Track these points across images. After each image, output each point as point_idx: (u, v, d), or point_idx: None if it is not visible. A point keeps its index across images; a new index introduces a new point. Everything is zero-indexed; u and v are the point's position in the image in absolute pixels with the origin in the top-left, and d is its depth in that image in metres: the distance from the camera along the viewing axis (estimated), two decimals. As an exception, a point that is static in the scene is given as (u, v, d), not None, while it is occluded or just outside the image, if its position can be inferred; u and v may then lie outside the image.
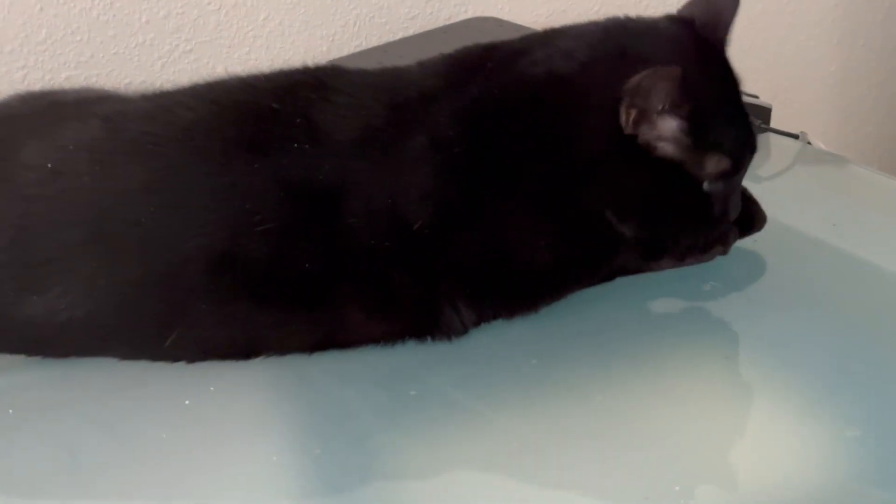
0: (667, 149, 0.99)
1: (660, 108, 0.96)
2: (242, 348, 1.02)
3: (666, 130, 0.98)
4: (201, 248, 0.98)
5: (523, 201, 1.01)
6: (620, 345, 1.04)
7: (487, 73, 1.04)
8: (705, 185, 1.01)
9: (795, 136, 1.41)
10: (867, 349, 1.02)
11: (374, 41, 1.67)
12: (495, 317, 1.05)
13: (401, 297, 1.01)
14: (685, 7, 1.09)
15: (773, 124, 1.46)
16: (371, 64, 1.44)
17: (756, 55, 2.12)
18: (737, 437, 0.94)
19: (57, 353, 1.03)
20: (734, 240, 1.14)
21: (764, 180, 1.37)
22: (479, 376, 1.00)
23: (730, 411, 0.97)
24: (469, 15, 1.74)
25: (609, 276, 1.11)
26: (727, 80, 1.05)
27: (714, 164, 1.00)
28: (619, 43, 1.03)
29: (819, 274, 1.14)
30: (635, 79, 0.95)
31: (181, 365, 1.02)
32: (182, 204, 0.99)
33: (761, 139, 1.37)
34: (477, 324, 1.05)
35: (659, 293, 1.11)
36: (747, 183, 1.30)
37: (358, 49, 1.66)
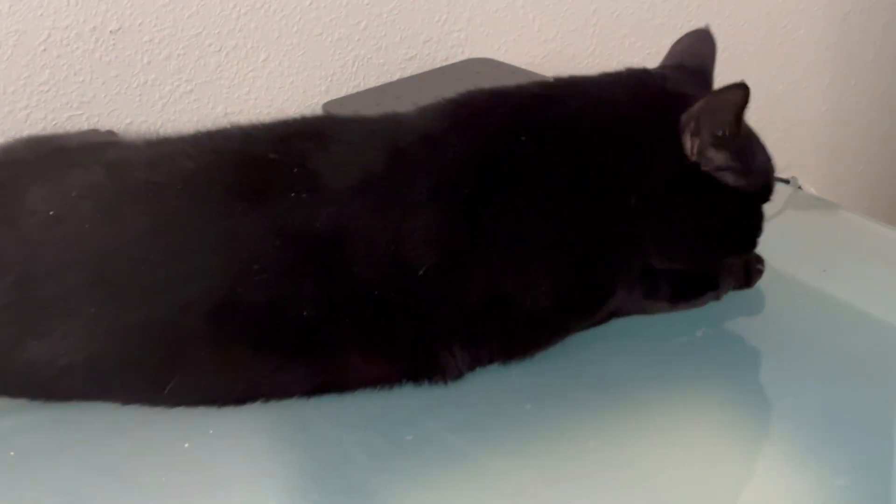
0: (727, 177, 1.05)
1: (721, 131, 1.02)
2: (242, 394, 1.03)
3: (721, 159, 1.04)
4: (202, 295, 1.00)
5: (532, 245, 1.03)
6: (614, 390, 1.05)
7: (500, 119, 1.06)
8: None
9: (787, 181, 1.43)
10: (857, 397, 1.03)
11: (373, 81, 1.69)
12: (491, 361, 1.07)
13: (399, 341, 1.03)
14: (668, 57, 1.12)
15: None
16: (369, 104, 1.47)
17: (752, 96, 2.14)
18: (728, 485, 0.95)
19: (58, 397, 1.04)
20: (727, 288, 1.15)
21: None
22: (475, 421, 1.02)
23: (722, 458, 0.98)
24: (466, 56, 1.76)
25: (604, 319, 1.12)
26: None
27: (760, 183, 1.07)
28: (656, 85, 1.08)
29: (810, 320, 1.16)
30: (698, 105, 1.02)
31: (181, 409, 1.03)
32: (183, 252, 1.01)
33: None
34: (472, 368, 1.06)
35: (652, 339, 1.13)
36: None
37: (356, 90, 1.68)
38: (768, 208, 1.39)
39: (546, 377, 1.07)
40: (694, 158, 1.03)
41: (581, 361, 1.08)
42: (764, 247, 1.27)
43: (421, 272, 1.00)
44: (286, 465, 0.98)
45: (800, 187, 1.44)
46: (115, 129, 1.41)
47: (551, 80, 1.13)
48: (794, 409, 1.02)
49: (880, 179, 2.41)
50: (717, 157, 1.04)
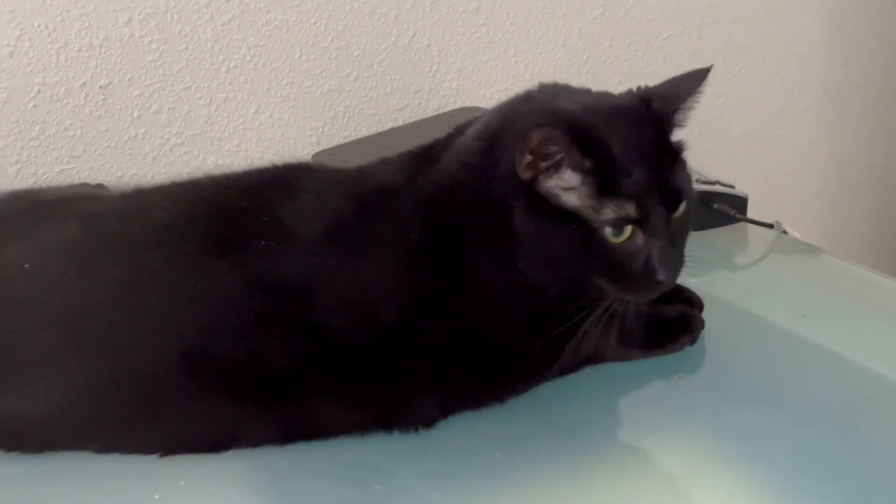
0: (567, 199, 1.00)
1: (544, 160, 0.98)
2: (215, 442, 1.04)
3: (566, 181, 0.99)
4: (175, 346, 1.01)
5: (478, 286, 1.04)
6: (586, 438, 1.05)
7: (434, 163, 1.08)
8: (608, 233, 0.99)
9: (770, 226, 1.43)
10: (831, 443, 1.02)
11: (364, 132, 1.71)
12: (462, 408, 1.07)
13: (369, 389, 1.04)
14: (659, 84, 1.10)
15: (757, 211, 1.48)
16: (358, 154, 1.49)
17: (747, 140, 2.15)
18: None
19: (33, 448, 1.05)
20: (700, 328, 1.15)
21: (740, 269, 1.39)
22: (445, 469, 1.01)
23: (693, 504, 0.98)
24: (458, 105, 1.78)
25: (576, 366, 1.12)
26: (655, 143, 1.03)
27: (611, 210, 0.99)
28: (509, 118, 1.06)
29: (787, 365, 1.15)
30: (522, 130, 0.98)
31: (154, 458, 1.03)
32: (156, 303, 1.02)
33: (737, 229, 1.41)
34: (444, 415, 1.06)
35: (627, 384, 1.12)
36: (724, 272, 1.33)
37: (348, 139, 1.69)
38: (753, 253, 1.41)
39: (518, 424, 1.06)
40: (523, 175, 1.00)
41: (554, 408, 1.08)
42: (745, 291, 1.28)
43: (385, 319, 1.01)
44: (255, 515, 0.97)
45: (784, 231, 1.44)
46: (105, 183, 1.43)
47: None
48: (767, 455, 1.01)
49: (883, 225, 2.40)
50: (547, 182, 1.00)
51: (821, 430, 1.05)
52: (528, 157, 0.98)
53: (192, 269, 1.03)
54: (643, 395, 1.12)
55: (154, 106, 1.53)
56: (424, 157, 1.10)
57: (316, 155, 1.62)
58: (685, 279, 1.21)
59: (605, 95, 1.08)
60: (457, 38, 1.75)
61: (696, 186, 1.39)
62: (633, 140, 1.00)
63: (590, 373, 1.13)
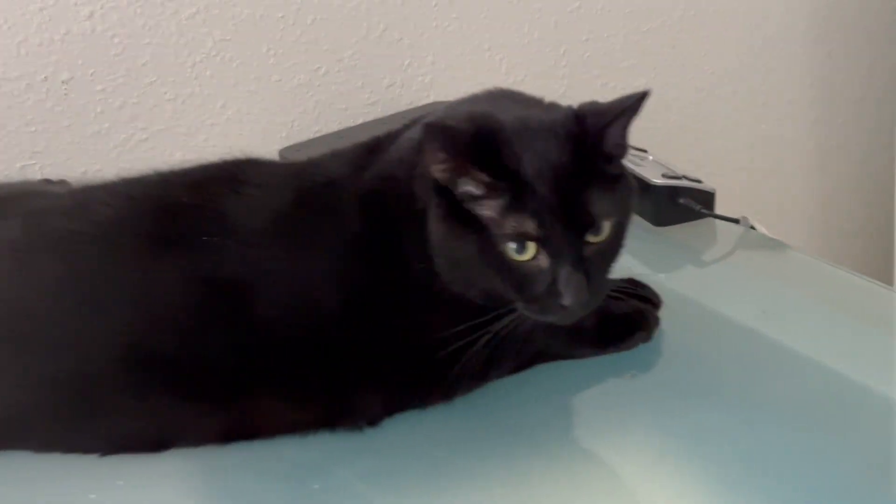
0: (477, 207, 0.97)
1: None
2: (156, 440, 1.02)
3: (470, 190, 0.97)
4: (113, 343, 1.00)
5: (408, 282, 1.02)
6: (531, 437, 1.03)
7: (382, 155, 1.07)
8: (510, 249, 0.96)
9: (736, 221, 1.41)
10: (785, 441, 1.00)
11: (335, 126, 1.69)
12: (407, 406, 1.05)
13: (311, 386, 1.02)
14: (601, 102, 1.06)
15: (742, 209, 1.45)
16: (326, 149, 1.47)
17: (730, 136, 2.12)
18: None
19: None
20: (655, 325, 1.13)
21: (703, 265, 1.37)
22: (385, 468, 1.00)
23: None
24: (431, 100, 1.76)
25: (527, 364, 1.10)
26: (574, 162, 0.97)
27: (511, 225, 0.95)
28: (443, 116, 1.03)
29: (743, 363, 1.13)
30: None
31: (93, 458, 1.02)
32: (96, 300, 1.01)
33: (704, 224, 1.39)
34: (389, 413, 1.04)
35: (579, 383, 1.11)
36: (687, 268, 1.31)
37: (318, 134, 1.68)
38: (720, 249, 1.39)
39: (464, 423, 1.05)
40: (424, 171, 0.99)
41: (501, 407, 1.06)
42: (707, 287, 1.26)
43: (324, 312, 0.99)
44: (190, 515, 0.96)
45: (752, 227, 1.42)
46: (68, 179, 1.41)
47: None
48: (715, 452, 0.99)
49: (870, 223, 2.37)
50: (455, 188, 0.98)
51: (774, 427, 1.03)
52: (434, 163, 0.96)
53: (133, 265, 1.02)
54: (594, 394, 1.10)
55: (118, 101, 1.52)
56: (373, 149, 1.09)
57: (283, 150, 1.61)
58: (648, 276, 1.20)
59: (544, 108, 1.03)
60: (429, 31, 1.74)
61: (663, 181, 1.39)
62: (549, 157, 0.95)
63: (541, 371, 1.11)
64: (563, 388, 1.10)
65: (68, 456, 1.02)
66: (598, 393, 1.10)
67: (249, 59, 1.60)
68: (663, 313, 1.17)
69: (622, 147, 1.01)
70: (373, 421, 1.04)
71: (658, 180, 1.43)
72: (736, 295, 1.26)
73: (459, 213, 0.97)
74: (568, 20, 1.86)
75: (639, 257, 1.37)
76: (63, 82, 1.48)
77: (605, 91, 1.92)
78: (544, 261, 0.96)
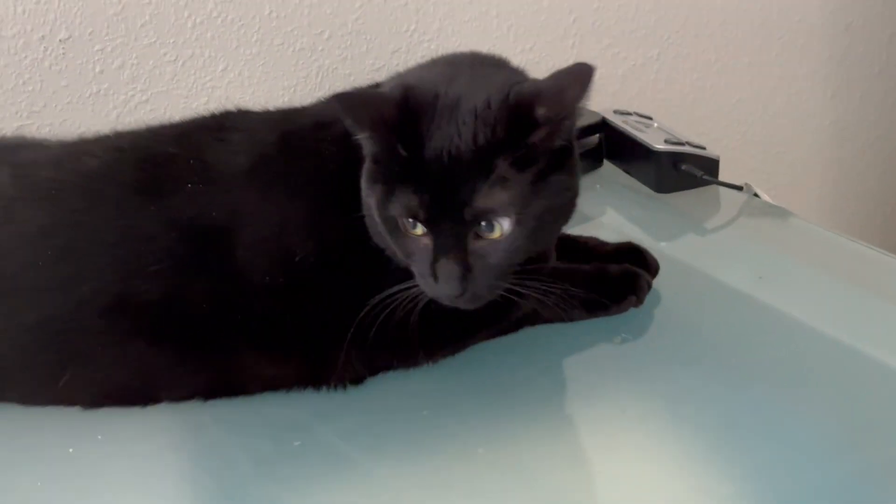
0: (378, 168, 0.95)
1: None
2: (138, 392, 1.02)
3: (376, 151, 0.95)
4: (96, 290, 0.99)
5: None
6: (515, 398, 1.02)
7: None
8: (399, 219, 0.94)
9: (739, 188, 1.38)
10: (770, 405, 0.99)
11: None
12: (389, 367, 1.04)
13: (291, 340, 1.01)
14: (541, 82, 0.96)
15: (758, 182, 1.43)
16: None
17: (745, 109, 2.09)
18: (611, 489, 0.91)
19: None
20: (647, 289, 1.11)
21: (705, 232, 1.35)
22: (367, 426, 0.99)
23: (610, 464, 0.94)
24: (436, 66, 1.73)
25: (514, 327, 1.09)
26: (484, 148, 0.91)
27: (399, 197, 0.92)
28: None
29: (734, 327, 1.11)
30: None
31: (74, 413, 1.02)
32: (78, 247, 1.00)
33: (709, 192, 1.37)
34: (372, 373, 1.03)
35: (567, 345, 1.09)
36: (688, 235, 1.29)
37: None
38: (721, 216, 1.37)
39: (449, 384, 1.04)
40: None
41: (488, 369, 1.06)
42: (704, 253, 1.24)
43: (297, 259, 0.98)
44: (168, 469, 0.95)
45: (756, 194, 1.39)
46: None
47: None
48: (696, 415, 0.98)
49: (887, 198, 2.34)
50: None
51: (761, 391, 1.01)
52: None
53: (115, 212, 1.02)
54: (581, 357, 1.08)
55: (117, 61, 1.51)
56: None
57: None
58: (647, 244, 1.18)
59: (496, 83, 0.95)
60: (436, -4, 1.71)
61: (664, 147, 1.36)
62: (454, 140, 0.91)
63: (529, 333, 1.10)
64: (551, 350, 1.09)
65: (48, 409, 1.02)
66: (587, 356, 1.08)
67: (251, 21, 1.58)
68: (658, 279, 1.15)
69: (557, 133, 0.93)
70: (356, 380, 1.03)
71: (660, 146, 1.40)
72: (734, 261, 1.24)
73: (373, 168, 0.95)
74: (579, -13, 1.83)
75: (639, 224, 1.36)
76: (61, 41, 1.46)
77: (617, 61, 1.90)
78: (428, 242, 0.93)
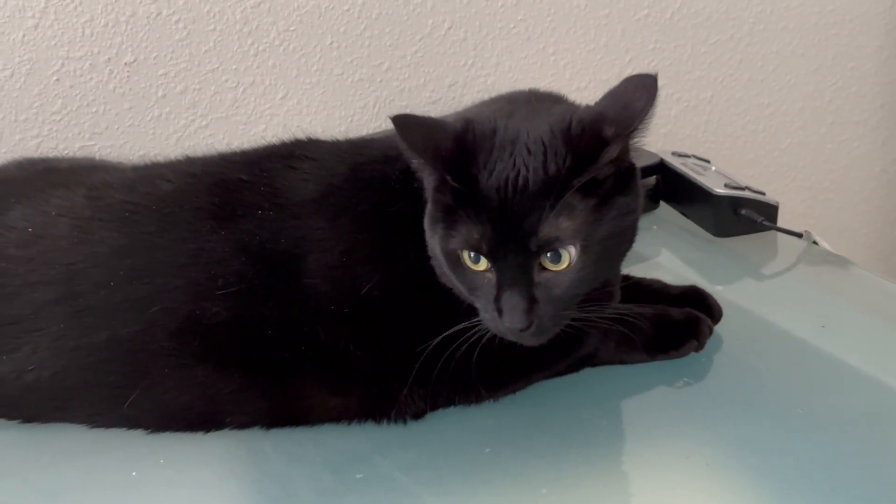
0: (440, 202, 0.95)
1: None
2: (202, 417, 1.02)
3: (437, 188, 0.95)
4: (166, 311, 1.00)
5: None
6: (576, 439, 1.01)
7: None
8: (465, 255, 0.94)
9: (799, 235, 1.38)
10: (836, 455, 0.98)
11: (394, 124, 1.68)
12: (449, 402, 1.04)
13: (353, 373, 1.01)
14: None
15: (807, 227, 1.43)
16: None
17: (796, 153, 2.09)
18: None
19: (22, 414, 1.04)
20: (708, 334, 1.11)
21: (764, 278, 1.34)
22: (429, 462, 0.99)
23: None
24: (492, 100, 1.74)
25: (575, 367, 1.09)
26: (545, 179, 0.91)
27: (461, 232, 0.93)
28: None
29: (798, 376, 1.10)
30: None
31: (136, 436, 1.02)
32: (150, 268, 1.01)
33: (767, 238, 1.36)
34: (433, 408, 1.03)
35: (627, 387, 1.09)
36: (747, 280, 1.28)
37: (377, 130, 1.67)
38: (781, 263, 1.36)
39: (511, 422, 1.03)
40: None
41: (548, 408, 1.05)
42: (767, 299, 1.23)
43: (363, 290, 0.98)
44: (230, 498, 0.95)
45: (815, 242, 1.39)
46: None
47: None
48: (763, 464, 0.97)
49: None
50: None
51: (826, 441, 1.00)
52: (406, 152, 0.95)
53: (187, 236, 1.02)
54: (642, 399, 1.08)
55: (179, 86, 1.52)
56: None
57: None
58: (706, 285, 1.18)
59: (555, 116, 0.95)
60: (494, 32, 1.72)
61: (725, 191, 1.36)
62: (516, 173, 0.90)
63: (591, 374, 1.09)
64: (612, 391, 1.08)
65: (112, 431, 1.03)
66: (648, 399, 1.08)
67: (313, 50, 1.60)
68: (721, 324, 1.15)
69: (627, 152, 0.94)
70: (416, 415, 1.03)
71: (720, 190, 1.40)
72: (795, 308, 1.23)
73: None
74: (635, 28, 1.83)
75: (695, 266, 1.36)
76: (126, 64, 1.48)
77: (670, 102, 1.91)
78: (491, 276, 0.93)
